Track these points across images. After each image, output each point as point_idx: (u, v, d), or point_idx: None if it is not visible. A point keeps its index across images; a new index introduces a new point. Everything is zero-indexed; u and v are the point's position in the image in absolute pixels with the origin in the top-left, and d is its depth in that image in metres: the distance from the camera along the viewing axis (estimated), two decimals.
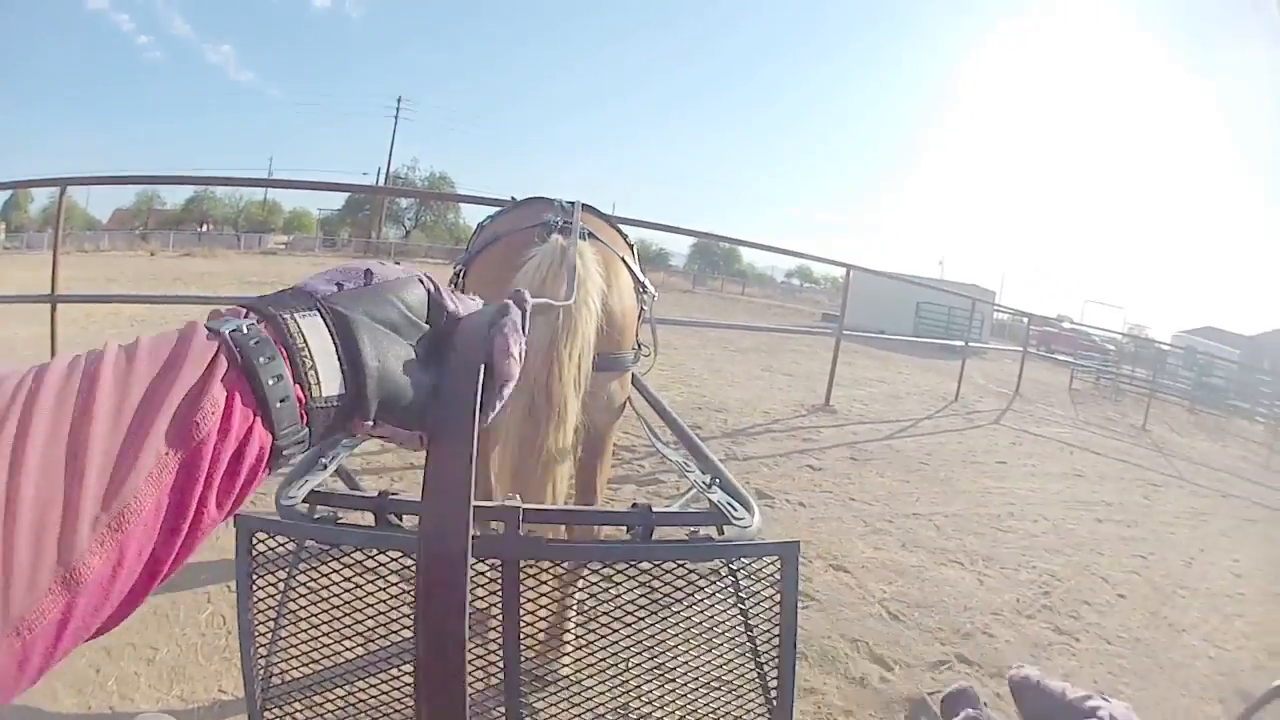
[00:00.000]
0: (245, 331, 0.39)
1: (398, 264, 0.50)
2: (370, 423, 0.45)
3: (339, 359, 0.42)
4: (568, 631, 1.44)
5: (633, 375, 1.93)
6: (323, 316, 0.43)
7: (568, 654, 1.35)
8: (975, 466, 4.69)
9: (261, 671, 1.09)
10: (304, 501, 1.12)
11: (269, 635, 1.10)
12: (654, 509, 1.13)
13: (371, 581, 1.06)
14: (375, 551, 1.06)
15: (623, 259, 1.77)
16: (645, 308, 1.92)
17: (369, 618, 1.07)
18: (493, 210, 2.24)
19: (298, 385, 0.40)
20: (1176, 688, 2.35)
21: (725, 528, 1.20)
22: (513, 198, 2.21)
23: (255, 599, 1.08)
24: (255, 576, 1.09)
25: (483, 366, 0.47)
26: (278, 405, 0.39)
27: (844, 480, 4.06)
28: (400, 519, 1.11)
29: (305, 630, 1.09)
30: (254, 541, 1.08)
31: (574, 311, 1.48)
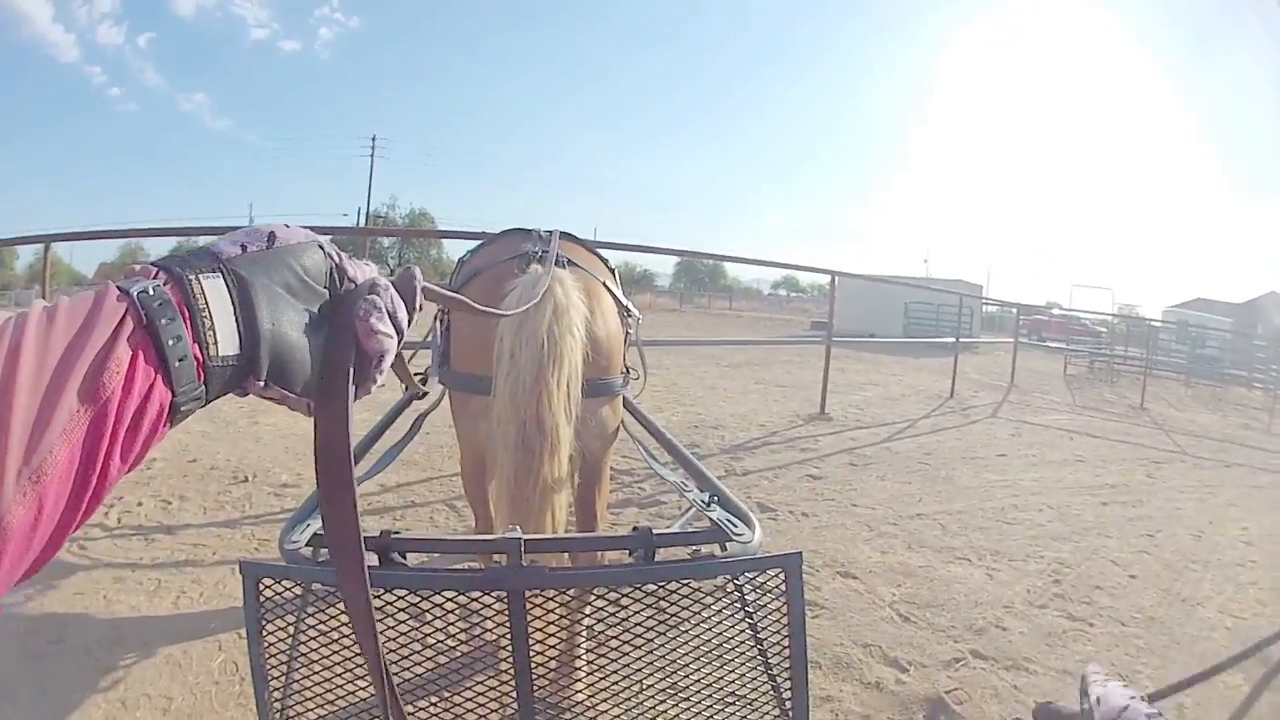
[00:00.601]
0: (151, 293, 0.41)
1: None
2: (262, 383, 0.47)
3: (236, 320, 0.44)
4: (579, 658, 1.43)
5: (625, 399, 1.94)
6: (225, 279, 0.45)
7: (580, 680, 1.35)
8: (976, 462, 4.69)
9: (277, 715, 1.10)
10: (307, 545, 1.14)
11: (282, 678, 1.12)
12: (655, 531, 1.14)
13: (380, 620, 1.05)
14: (382, 590, 1.06)
15: (604, 284, 1.79)
16: (631, 331, 1.94)
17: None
18: (473, 244, 2.26)
19: (196, 345, 0.42)
20: (1195, 662, 2.33)
21: (727, 544, 1.22)
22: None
23: (266, 643, 1.09)
24: (265, 621, 1.09)
25: (354, 337, 0.50)
26: (176, 364, 0.41)
27: (845, 487, 4.06)
28: (405, 557, 1.13)
29: (317, 672, 1.10)
30: (260, 588, 1.09)
31: (559, 340, 1.49)
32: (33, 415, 0.35)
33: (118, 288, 0.41)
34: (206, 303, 0.43)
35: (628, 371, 1.88)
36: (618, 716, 1.15)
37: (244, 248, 0.47)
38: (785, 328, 24.54)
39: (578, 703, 1.26)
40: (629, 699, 1.14)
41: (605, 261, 1.99)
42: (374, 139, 37.49)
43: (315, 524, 1.23)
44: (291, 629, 1.12)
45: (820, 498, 3.84)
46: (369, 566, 1.08)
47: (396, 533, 1.12)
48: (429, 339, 2.04)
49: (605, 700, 1.14)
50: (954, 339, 9.29)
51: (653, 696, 1.14)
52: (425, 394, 1.52)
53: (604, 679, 1.14)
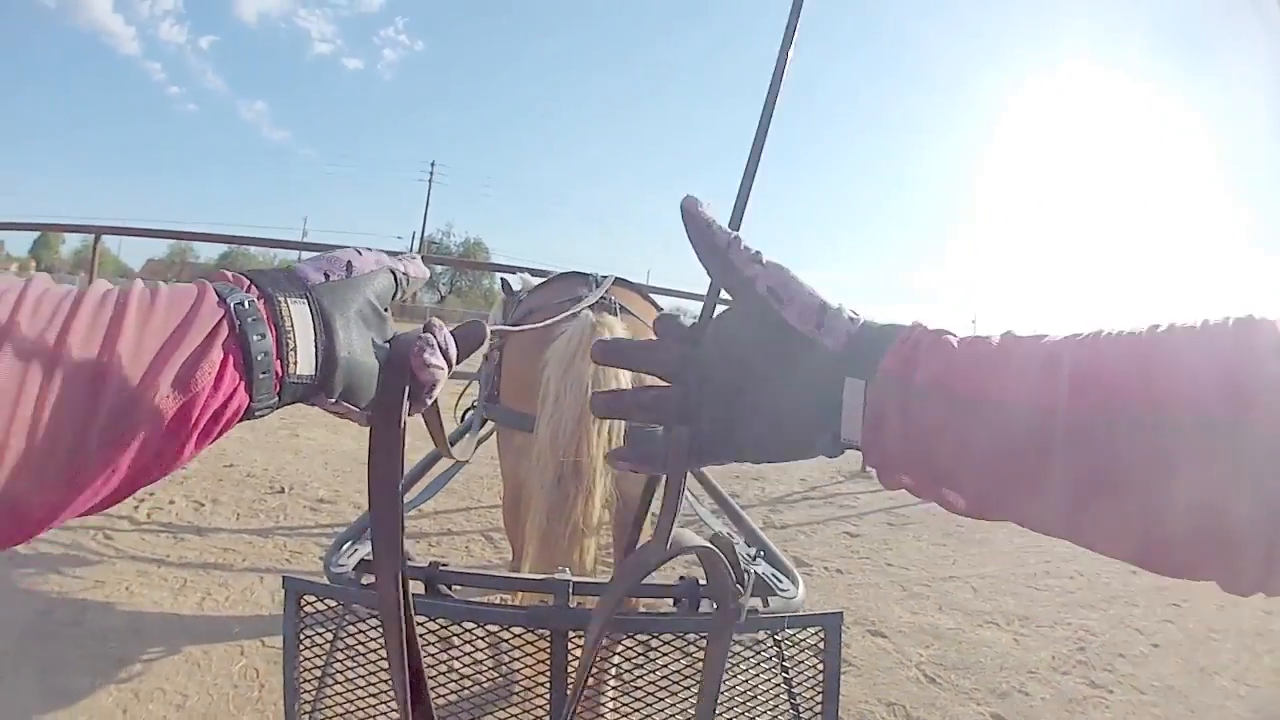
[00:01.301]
0: (246, 307, 0.44)
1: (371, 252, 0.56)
2: (332, 400, 0.50)
3: (316, 346, 0.48)
4: (611, 700, 1.41)
5: None
6: (309, 305, 0.48)
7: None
8: (1010, 527, 4.63)
9: None
10: (353, 569, 1.16)
11: (313, 694, 1.12)
12: (700, 581, 1.15)
13: (422, 648, 1.08)
14: (425, 619, 1.07)
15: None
16: None
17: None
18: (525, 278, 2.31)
19: (279, 361, 0.45)
20: None
21: (770, 599, 1.23)
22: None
23: (301, 658, 1.10)
24: (302, 636, 1.11)
25: (409, 369, 0.53)
26: (260, 376, 0.44)
27: (881, 545, 4.07)
28: (450, 588, 1.15)
29: (350, 691, 1.10)
30: (301, 603, 1.10)
31: (603, 386, 1.49)
32: (127, 391, 0.37)
33: (215, 291, 0.44)
34: (292, 325, 0.46)
35: None
36: None
37: (326, 275, 0.51)
38: None
39: None
40: None
41: (658, 307, 1.99)
42: (433, 164, 38.04)
43: (363, 549, 1.26)
44: (328, 646, 1.13)
45: (856, 555, 3.86)
46: (415, 595, 1.03)
47: (444, 564, 1.14)
48: (480, 372, 2.06)
49: None
50: None
51: None
52: (465, 461, 1.49)
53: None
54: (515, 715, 1.15)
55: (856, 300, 0.52)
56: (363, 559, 1.21)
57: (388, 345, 0.53)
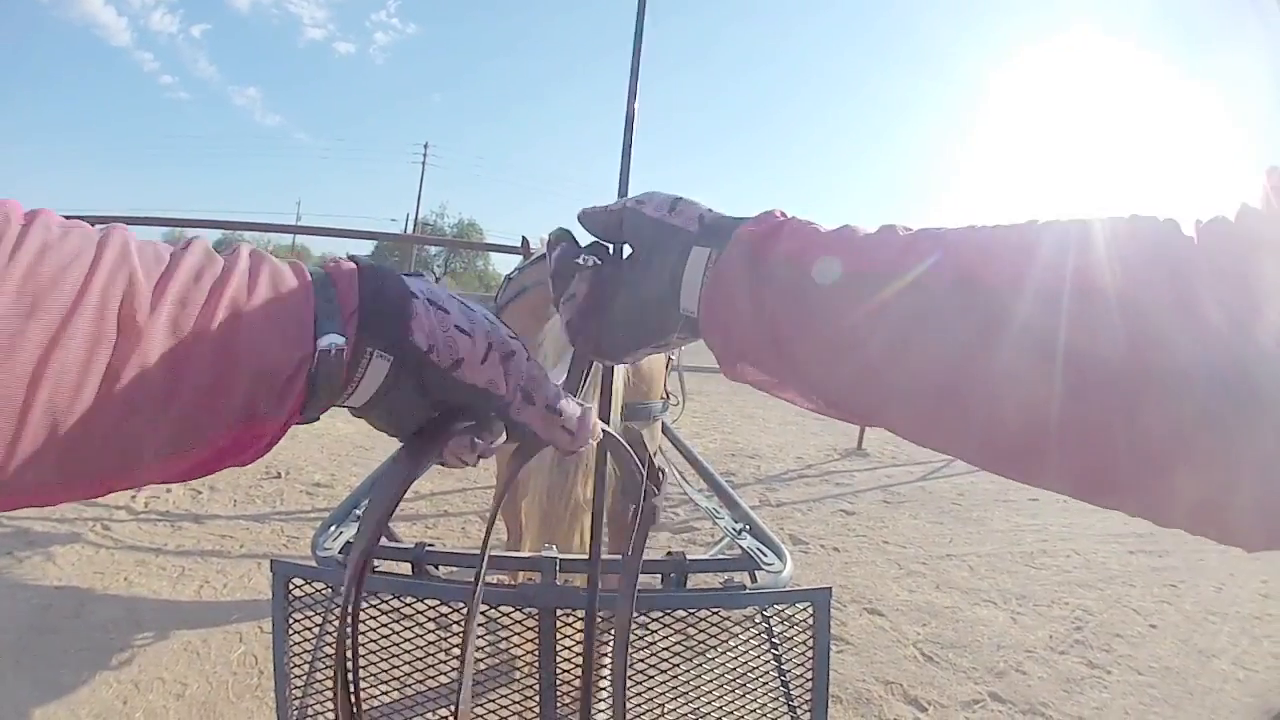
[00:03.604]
0: (332, 354, 0.40)
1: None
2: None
3: (375, 394, 0.44)
4: (603, 679, 1.39)
5: (663, 424, 1.96)
6: (390, 367, 0.44)
7: (603, 701, 1.33)
8: (1008, 504, 4.69)
9: (296, 713, 1.10)
10: (339, 552, 1.15)
11: (304, 678, 1.11)
12: (688, 557, 1.15)
13: (408, 629, 1.09)
14: (411, 599, 1.08)
15: None
16: (672, 357, 1.98)
17: (405, 664, 1.09)
18: (519, 259, 2.29)
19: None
20: (1206, 712, 2.36)
21: (758, 574, 1.23)
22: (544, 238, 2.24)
23: (291, 642, 1.10)
24: (291, 621, 1.10)
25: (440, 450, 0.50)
26: (313, 413, 0.42)
27: (878, 524, 4.08)
28: (436, 568, 1.14)
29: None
30: (290, 587, 1.09)
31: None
32: (199, 397, 0.35)
33: (314, 315, 0.40)
34: (364, 376, 0.43)
35: (667, 397, 1.88)
36: None
37: (431, 349, 0.44)
38: None
39: None
40: None
41: None
42: (426, 146, 37.38)
43: (348, 531, 1.25)
44: (317, 630, 1.12)
45: (852, 533, 3.86)
46: (401, 575, 1.09)
47: (431, 545, 1.13)
48: None
49: None
50: None
51: None
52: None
53: (626, 701, 1.06)
54: (505, 695, 1.15)
55: None
56: (348, 541, 1.20)
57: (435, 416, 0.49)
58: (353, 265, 0.44)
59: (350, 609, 0.48)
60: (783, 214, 0.48)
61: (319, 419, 0.44)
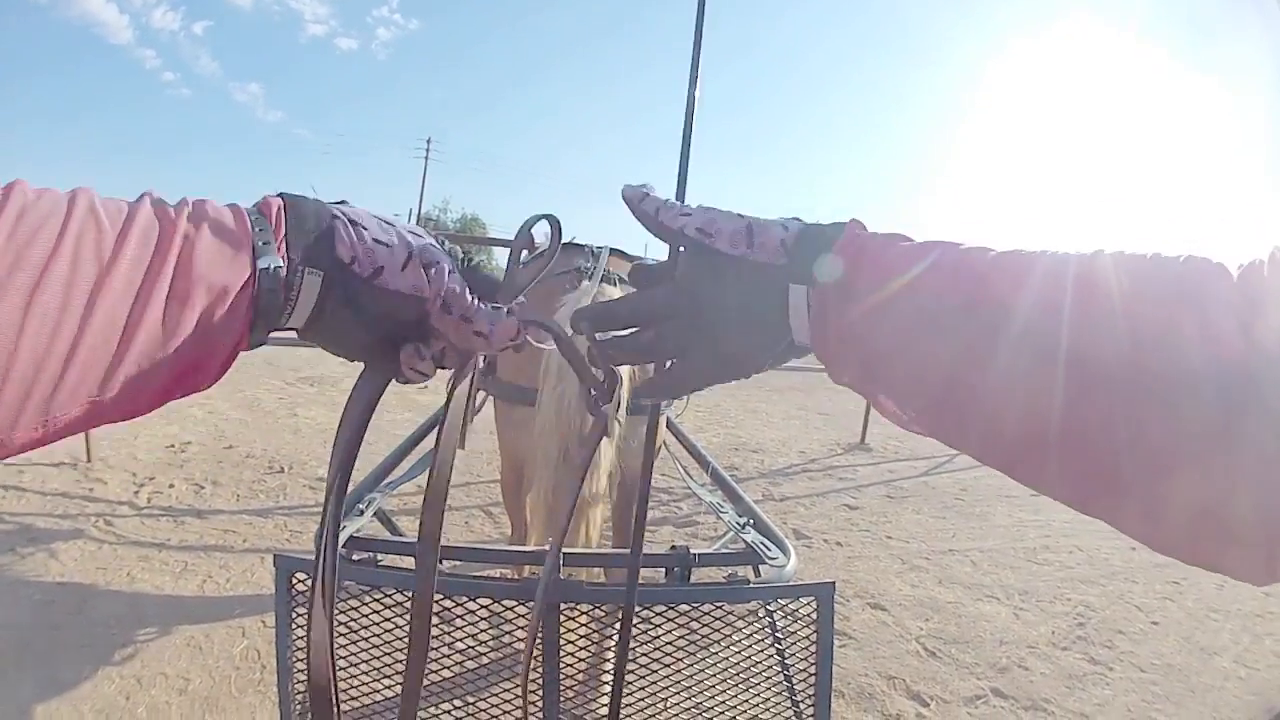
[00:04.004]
0: (270, 273, 0.43)
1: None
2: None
3: (313, 310, 0.47)
4: (606, 673, 1.38)
5: (667, 418, 1.97)
6: (321, 286, 0.47)
7: (606, 695, 1.34)
8: (1010, 500, 4.68)
9: (299, 708, 1.09)
10: (343, 546, 1.14)
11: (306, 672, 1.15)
12: (692, 551, 1.15)
13: (410, 622, 1.11)
14: (413, 593, 1.08)
15: None
16: None
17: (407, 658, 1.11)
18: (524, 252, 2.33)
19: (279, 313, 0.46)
20: (1208, 710, 2.37)
21: (761, 568, 1.23)
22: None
23: (294, 636, 1.09)
24: (294, 615, 1.10)
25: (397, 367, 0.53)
26: (259, 335, 0.45)
27: (880, 518, 4.07)
28: (440, 562, 1.17)
29: (343, 669, 1.09)
30: (293, 582, 1.09)
31: None
32: (152, 336, 0.38)
33: (253, 249, 0.43)
34: (299, 293, 0.45)
35: None
36: None
37: (353, 260, 0.47)
38: None
39: (602, 717, 1.24)
40: (653, 717, 1.13)
41: None
42: (429, 141, 37.29)
43: (351, 526, 1.26)
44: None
45: (855, 528, 3.86)
46: (404, 569, 1.07)
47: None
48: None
49: (630, 718, 1.12)
50: None
51: (677, 716, 1.13)
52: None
53: (629, 695, 1.11)
54: (508, 689, 1.15)
55: None
56: (352, 535, 1.19)
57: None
58: (280, 199, 0.47)
59: (327, 538, 0.58)
60: (861, 229, 0.49)
61: (265, 343, 0.47)
